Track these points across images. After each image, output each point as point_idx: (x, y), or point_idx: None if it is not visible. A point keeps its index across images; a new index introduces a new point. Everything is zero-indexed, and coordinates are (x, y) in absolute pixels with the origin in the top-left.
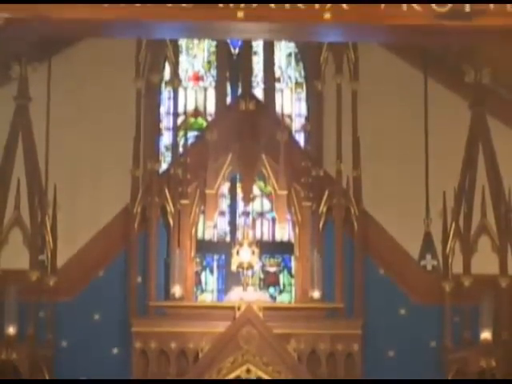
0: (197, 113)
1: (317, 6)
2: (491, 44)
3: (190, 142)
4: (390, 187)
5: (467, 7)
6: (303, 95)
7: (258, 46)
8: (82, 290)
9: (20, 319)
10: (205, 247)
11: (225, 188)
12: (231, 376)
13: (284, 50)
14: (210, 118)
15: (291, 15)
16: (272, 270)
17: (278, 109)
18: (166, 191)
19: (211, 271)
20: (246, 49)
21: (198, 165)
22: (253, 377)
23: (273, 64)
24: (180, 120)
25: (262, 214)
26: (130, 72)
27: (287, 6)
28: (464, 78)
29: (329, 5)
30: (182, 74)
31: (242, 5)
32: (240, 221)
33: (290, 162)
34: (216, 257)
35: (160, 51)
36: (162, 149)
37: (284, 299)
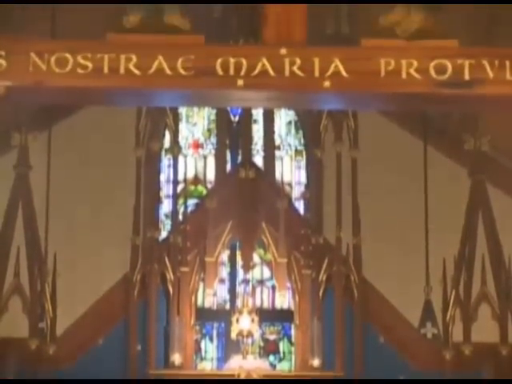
0: (197, 180)
1: (316, 73)
2: (491, 112)
3: (189, 209)
4: (390, 255)
5: (467, 75)
6: (303, 163)
7: (258, 113)
8: (82, 358)
9: None
10: (204, 315)
11: (225, 256)
12: None
13: (284, 117)
14: (209, 186)
15: (291, 83)
16: (272, 337)
17: (277, 176)
18: (166, 259)
19: (211, 339)
20: (246, 117)
21: (198, 232)
22: None
23: (272, 132)
24: (180, 188)
25: (261, 282)
26: (130, 140)
27: (287, 73)
28: (464, 146)
29: (328, 73)
30: (181, 141)
31: (242, 73)
32: (240, 288)
33: (290, 230)
34: (216, 325)
35: (160, 119)
36: (162, 216)
37: (284, 367)
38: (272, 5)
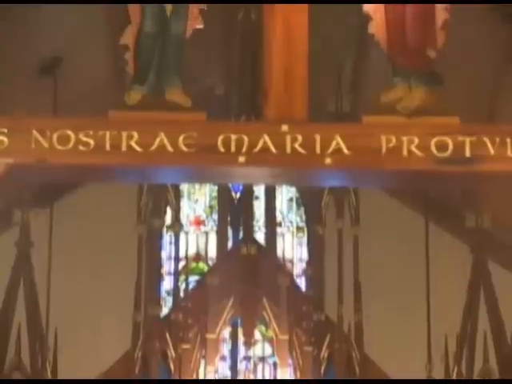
0: (198, 257)
1: (318, 150)
2: (492, 189)
3: (191, 286)
4: (392, 332)
5: (468, 152)
6: (304, 239)
7: (260, 190)
8: None
9: None
10: None
11: (226, 332)
12: None
13: (285, 194)
14: (211, 263)
15: (292, 160)
16: None
17: (279, 253)
18: (167, 336)
19: None
20: (247, 193)
21: (199, 309)
22: None
23: (274, 208)
24: (181, 265)
25: (263, 359)
26: (132, 217)
27: (288, 150)
28: (465, 223)
29: (330, 150)
30: (183, 218)
31: (244, 150)
32: (241, 366)
33: (292, 307)
34: None
35: (161, 196)
36: (163, 293)
37: None
38: (273, 82)
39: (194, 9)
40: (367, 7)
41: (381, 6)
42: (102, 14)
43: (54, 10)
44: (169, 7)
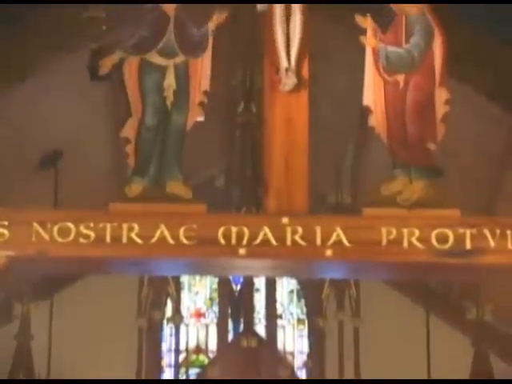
0: (198, 350)
1: (318, 242)
2: (493, 282)
3: (191, 378)
4: None
5: (468, 245)
6: (305, 332)
7: (260, 282)
8: None
9: None
10: None
11: None
12: None
13: (286, 286)
14: (211, 355)
15: (293, 252)
16: None
17: (280, 345)
18: None
19: None
20: (248, 285)
21: None
22: None
23: (274, 300)
24: (182, 357)
25: None
26: (132, 309)
27: (289, 242)
28: (466, 315)
29: (330, 242)
30: (183, 310)
31: (244, 242)
32: None
33: None
34: None
35: (162, 288)
36: None
37: None
38: (274, 174)
39: (194, 101)
40: (367, 101)
41: (381, 99)
42: (103, 107)
43: (53, 102)
44: (170, 99)
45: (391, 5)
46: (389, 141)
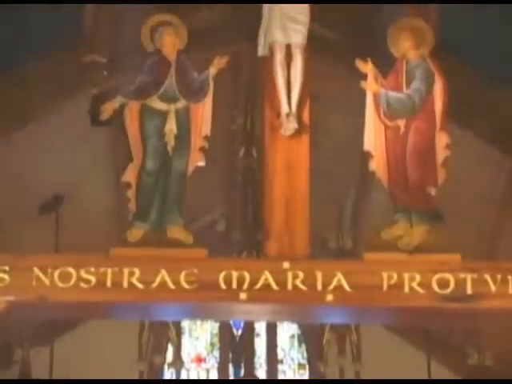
0: None
1: (319, 287)
2: (494, 326)
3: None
4: None
5: (469, 290)
6: (306, 377)
7: (261, 326)
8: None
9: None
10: None
11: None
12: None
13: (287, 331)
14: None
15: (294, 297)
16: None
17: None
18: None
19: None
20: (249, 330)
21: None
22: None
23: (275, 345)
24: None
25: None
26: (133, 353)
27: (289, 287)
28: (467, 360)
29: (331, 286)
30: (184, 355)
31: (245, 286)
32: None
33: None
34: None
35: (163, 333)
36: None
37: None
38: (275, 219)
39: (195, 146)
40: (368, 146)
41: (382, 144)
42: (104, 152)
43: (54, 147)
44: (170, 144)
45: (392, 50)
46: (389, 185)
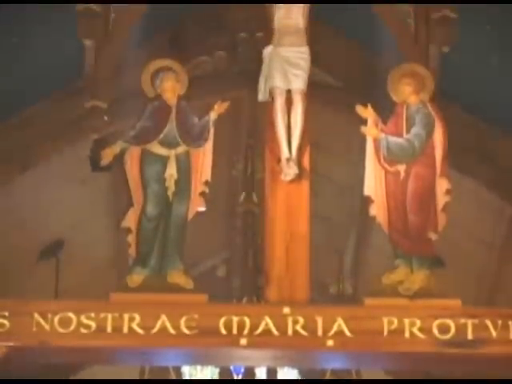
0: None
1: (320, 333)
2: (495, 372)
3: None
4: None
5: (470, 335)
6: None
7: (261, 371)
8: None
9: None
10: None
11: None
12: None
13: (287, 376)
14: None
15: (294, 342)
16: None
17: None
18: None
19: None
20: (249, 375)
21: None
22: None
23: None
24: None
25: None
26: None
27: (290, 332)
28: None
29: (332, 332)
30: None
31: (245, 332)
32: None
33: None
34: None
35: (163, 378)
36: None
37: None
38: (275, 264)
39: (196, 191)
40: (368, 191)
41: (382, 189)
42: (104, 197)
43: (54, 193)
44: (171, 189)
45: (392, 95)
46: (390, 230)
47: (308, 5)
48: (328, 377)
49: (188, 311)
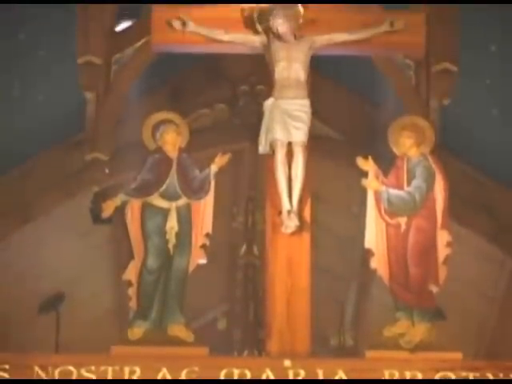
0: None
1: None
2: None
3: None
4: None
5: None
6: None
7: None
8: None
9: None
10: None
11: None
12: None
13: None
14: None
15: None
16: None
17: None
18: None
19: None
20: None
21: None
22: None
23: None
24: None
25: None
26: None
27: None
28: None
29: None
30: None
31: None
32: None
33: None
34: None
35: None
36: None
37: None
38: (276, 316)
39: (196, 243)
40: (369, 243)
41: (383, 242)
42: (104, 250)
43: (54, 246)
44: (172, 242)
45: (393, 147)
46: (391, 283)
47: (309, 58)
48: None
49: (189, 364)
